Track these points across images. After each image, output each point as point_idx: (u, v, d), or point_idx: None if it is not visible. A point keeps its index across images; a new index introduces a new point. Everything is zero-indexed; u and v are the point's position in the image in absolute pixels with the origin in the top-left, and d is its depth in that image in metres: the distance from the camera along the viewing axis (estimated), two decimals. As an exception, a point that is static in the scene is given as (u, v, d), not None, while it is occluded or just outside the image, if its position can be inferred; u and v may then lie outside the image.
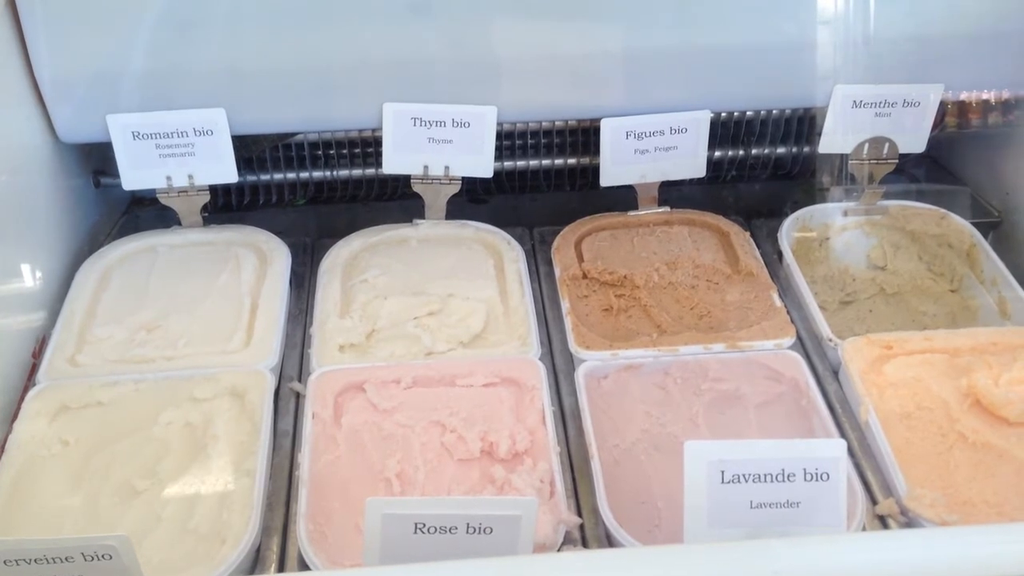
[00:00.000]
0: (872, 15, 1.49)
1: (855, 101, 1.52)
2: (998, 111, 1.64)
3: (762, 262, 1.50)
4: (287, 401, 1.31)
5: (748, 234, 1.56)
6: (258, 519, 1.09)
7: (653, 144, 1.53)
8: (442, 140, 1.50)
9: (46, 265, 1.46)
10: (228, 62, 1.43)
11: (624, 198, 1.60)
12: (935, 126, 1.61)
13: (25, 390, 1.28)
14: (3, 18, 1.38)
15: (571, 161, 1.70)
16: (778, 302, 1.42)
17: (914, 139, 1.56)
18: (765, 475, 0.96)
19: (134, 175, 1.48)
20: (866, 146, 1.55)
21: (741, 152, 1.72)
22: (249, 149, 1.60)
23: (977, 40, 1.51)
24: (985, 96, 1.60)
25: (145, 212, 1.71)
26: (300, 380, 1.33)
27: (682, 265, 1.49)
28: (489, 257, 1.51)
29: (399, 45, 1.45)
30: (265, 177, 1.68)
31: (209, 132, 1.46)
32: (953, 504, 1.13)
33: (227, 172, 1.49)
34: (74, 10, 1.38)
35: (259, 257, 1.49)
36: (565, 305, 1.41)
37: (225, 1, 1.40)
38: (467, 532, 0.92)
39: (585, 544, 1.11)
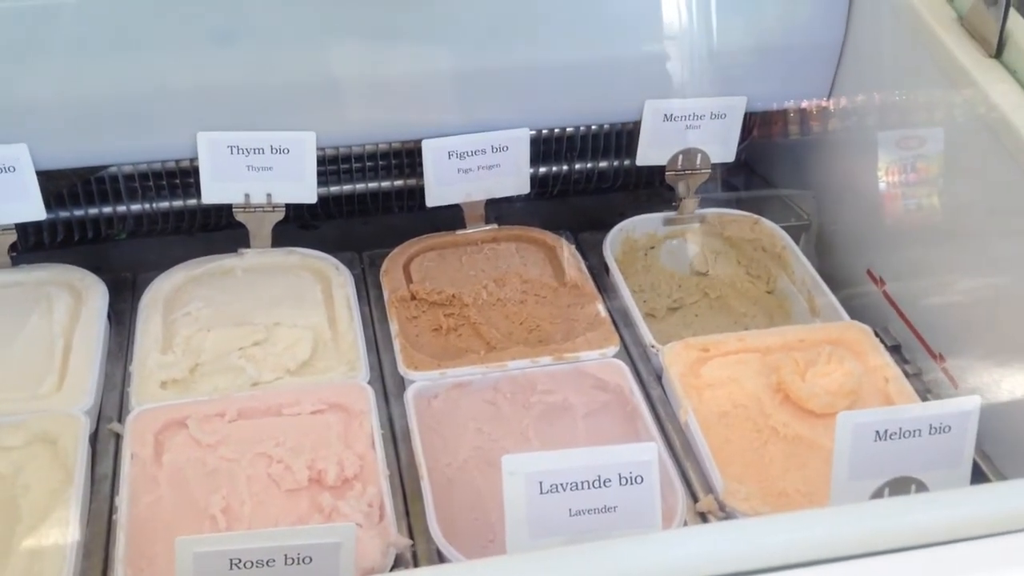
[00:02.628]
0: (680, 32, 1.55)
1: (666, 115, 1.57)
2: (803, 120, 1.73)
3: (587, 274, 1.54)
4: (106, 444, 1.26)
5: (573, 247, 1.59)
6: (70, 569, 1.04)
7: (476, 163, 1.55)
8: (262, 167, 1.47)
9: None
10: (29, 94, 1.37)
11: (455, 217, 1.62)
12: (745, 136, 1.69)
13: None
14: None
15: (398, 183, 1.70)
16: (603, 312, 1.46)
17: (724, 150, 1.62)
18: (582, 483, 0.98)
19: (-69, 217, 1.41)
20: (680, 157, 1.61)
21: (565, 167, 1.75)
22: (58, 184, 1.53)
23: (776, 53, 1.59)
24: (788, 106, 1.69)
25: (-50, 256, 1.61)
26: (120, 421, 1.28)
27: (510, 281, 1.51)
28: (317, 283, 1.50)
29: (211, 72, 1.41)
30: (79, 212, 1.60)
31: (11, 169, 1.39)
32: (768, 496, 1.18)
33: (34, 210, 1.42)
34: None
35: (73, 296, 1.43)
36: (394, 327, 1.41)
37: (22, 30, 1.34)
38: (286, 563, 0.91)
39: (416, 565, 1.11)
